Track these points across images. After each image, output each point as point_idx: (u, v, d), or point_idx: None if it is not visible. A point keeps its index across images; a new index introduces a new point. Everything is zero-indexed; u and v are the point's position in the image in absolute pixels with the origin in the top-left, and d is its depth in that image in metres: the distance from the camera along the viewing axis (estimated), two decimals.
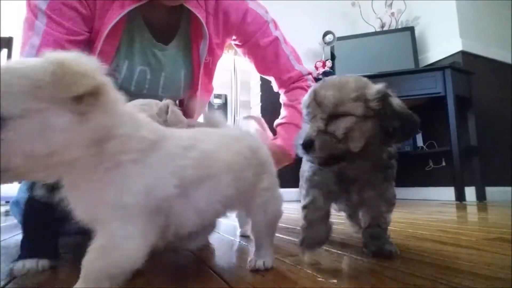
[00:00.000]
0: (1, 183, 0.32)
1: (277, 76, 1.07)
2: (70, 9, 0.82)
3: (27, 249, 0.52)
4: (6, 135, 0.29)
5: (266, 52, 1.04)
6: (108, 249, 0.33)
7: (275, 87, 1.11)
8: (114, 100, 0.34)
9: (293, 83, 1.06)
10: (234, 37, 1.04)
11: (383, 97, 0.51)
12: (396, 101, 0.52)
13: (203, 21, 0.93)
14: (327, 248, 0.67)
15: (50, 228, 0.54)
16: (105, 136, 0.33)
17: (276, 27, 1.07)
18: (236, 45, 1.07)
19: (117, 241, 0.34)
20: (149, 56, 0.96)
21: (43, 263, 0.51)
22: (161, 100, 0.93)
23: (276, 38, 1.05)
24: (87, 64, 0.31)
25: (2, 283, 0.43)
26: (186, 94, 1.08)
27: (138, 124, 0.38)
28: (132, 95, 0.99)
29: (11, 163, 0.30)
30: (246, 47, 1.05)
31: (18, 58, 0.85)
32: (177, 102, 1.14)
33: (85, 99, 0.31)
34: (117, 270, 0.33)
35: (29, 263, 0.50)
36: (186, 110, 1.17)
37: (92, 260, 0.33)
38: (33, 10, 0.80)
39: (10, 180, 0.32)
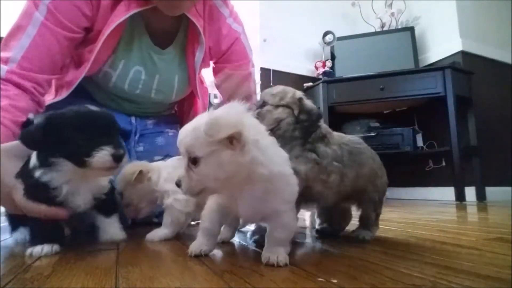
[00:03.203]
0: (202, 196, 0.55)
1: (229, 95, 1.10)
2: (74, 8, 0.82)
3: (40, 236, 0.63)
4: (201, 168, 0.48)
5: (235, 77, 1.09)
6: (287, 225, 0.56)
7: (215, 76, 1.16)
8: (254, 140, 0.49)
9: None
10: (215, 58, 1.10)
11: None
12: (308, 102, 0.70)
13: (201, 30, 0.95)
14: (327, 248, 0.67)
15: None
16: (254, 163, 0.49)
17: (252, 65, 1.14)
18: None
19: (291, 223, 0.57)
20: (145, 57, 0.97)
21: (56, 247, 0.62)
22: (153, 101, 1.01)
23: (250, 74, 1.12)
24: (229, 118, 0.46)
25: (2, 283, 0.44)
26: (179, 97, 1.09)
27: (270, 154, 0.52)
28: (125, 93, 1.00)
29: (206, 184, 0.50)
30: (218, 65, 1.11)
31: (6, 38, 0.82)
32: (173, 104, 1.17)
33: (234, 141, 0.47)
34: (291, 236, 0.57)
35: (46, 248, 0.61)
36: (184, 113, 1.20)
37: (279, 232, 0.55)
38: (35, 3, 0.80)
39: (209, 194, 0.57)
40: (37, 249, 0.60)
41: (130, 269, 0.51)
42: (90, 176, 0.65)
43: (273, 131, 0.66)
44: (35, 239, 0.63)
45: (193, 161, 0.49)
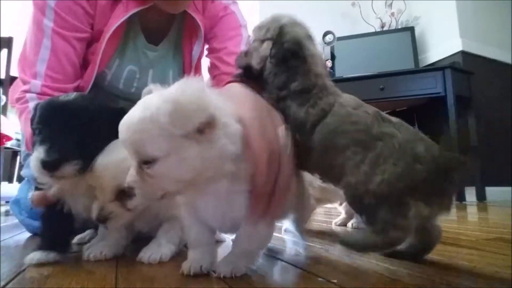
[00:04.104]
0: (163, 199, 0.42)
1: (220, 61, 0.98)
2: (77, 7, 0.83)
3: (47, 243, 0.56)
4: (159, 170, 0.38)
5: (224, 40, 1.00)
6: (253, 237, 0.46)
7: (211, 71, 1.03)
8: (224, 123, 0.39)
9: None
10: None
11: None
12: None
13: (200, 24, 0.95)
14: (327, 248, 0.67)
15: (63, 226, 0.59)
16: (226, 156, 0.40)
17: (246, 31, 1.05)
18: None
19: (260, 230, 0.45)
20: (140, 55, 0.97)
21: (52, 255, 0.54)
22: None
23: (240, 35, 1.01)
24: (197, 100, 0.37)
25: (2, 283, 0.43)
26: None
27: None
28: (121, 92, 1.00)
29: (167, 188, 0.40)
30: (209, 34, 1.02)
31: (22, 55, 0.86)
32: None
33: (205, 130, 0.37)
34: (259, 248, 0.49)
35: (38, 255, 0.53)
36: None
37: (241, 243, 0.46)
38: (41, 8, 0.81)
39: (171, 197, 0.44)
40: (30, 256, 0.54)
41: (130, 269, 0.51)
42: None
43: (262, 73, 0.53)
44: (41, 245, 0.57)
45: (147, 162, 0.38)
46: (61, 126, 0.50)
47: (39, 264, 0.53)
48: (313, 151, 0.50)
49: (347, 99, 0.52)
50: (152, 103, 0.38)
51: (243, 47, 1.00)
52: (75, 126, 0.50)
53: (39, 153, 0.48)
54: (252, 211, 0.44)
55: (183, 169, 0.38)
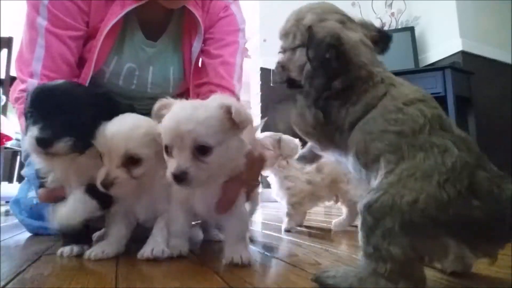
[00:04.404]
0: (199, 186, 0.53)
1: (213, 69, 0.98)
2: (71, 5, 0.82)
3: (70, 237, 0.62)
4: (213, 157, 0.49)
5: (220, 46, 1.00)
6: (242, 220, 0.58)
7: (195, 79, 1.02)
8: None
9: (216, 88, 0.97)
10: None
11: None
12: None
13: (200, 20, 0.94)
14: (327, 248, 0.67)
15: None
16: (244, 152, 0.55)
17: (243, 36, 1.05)
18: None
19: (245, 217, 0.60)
20: (138, 52, 0.96)
21: (86, 247, 0.61)
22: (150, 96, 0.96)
23: (237, 42, 1.02)
24: (243, 111, 0.49)
25: (2, 283, 0.44)
26: (177, 91, 1.07)
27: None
28: (121, 90, 0.99)
29: (213, 172, 0.51)
30: (207, 34, 1.02)
31: (19, 54, 0.85)
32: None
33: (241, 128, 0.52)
34: (245, 231, 0.58)
35: (76, 248, 0.60)
36: None
37: (230, 233, 0.56)
38: (35, 6, 0.80)
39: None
40: (68, 249, 0.60)
41: (130, 269, 0.51)
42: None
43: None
44: (65, 240, 0.62)
45: (203, 151, 0.48)
46: (52, 108, 0.53)
47: (37, 264, 0.54)
48: (349, 154, 0.44)
49: (404, 90, 0.43)
50: (208, 106, 0.51)
51: (238, 58, 1.02)
52: (65, 107, 0.54)
53: (33, 131, 0.51)
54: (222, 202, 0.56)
55: (228, 156, 0.51)
